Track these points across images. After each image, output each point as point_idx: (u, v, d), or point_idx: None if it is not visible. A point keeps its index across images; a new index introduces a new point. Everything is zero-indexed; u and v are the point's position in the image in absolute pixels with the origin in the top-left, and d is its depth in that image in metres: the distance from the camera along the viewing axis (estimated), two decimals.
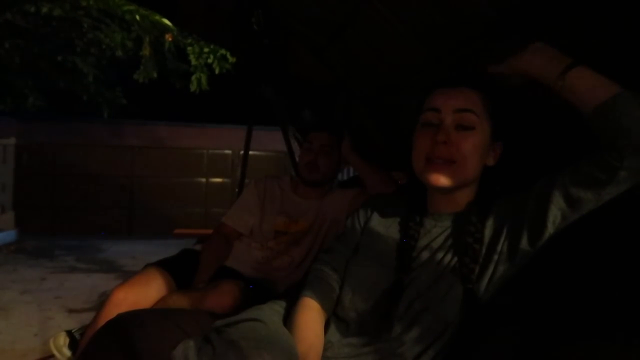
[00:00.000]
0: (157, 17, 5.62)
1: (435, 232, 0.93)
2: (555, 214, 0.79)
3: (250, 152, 2.53)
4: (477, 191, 0.96)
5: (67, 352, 1.43)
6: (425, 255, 0.91)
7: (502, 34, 1.00)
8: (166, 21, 5.64)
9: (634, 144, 0.70)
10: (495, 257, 0.84)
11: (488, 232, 0.87)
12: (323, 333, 0.91)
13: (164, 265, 1.52)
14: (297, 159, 2.31)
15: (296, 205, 1.66)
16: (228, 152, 9.65)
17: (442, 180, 0.88)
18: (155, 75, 6.48)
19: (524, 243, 0.82)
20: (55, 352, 1.44)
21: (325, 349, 0.89)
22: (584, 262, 0.93)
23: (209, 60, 6.21)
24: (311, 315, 0.91)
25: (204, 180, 9.67)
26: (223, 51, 6.05)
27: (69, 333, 1.47)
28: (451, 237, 0.91)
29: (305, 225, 1.62)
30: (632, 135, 0.70)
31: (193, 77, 6.43)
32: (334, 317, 0.96)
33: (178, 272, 1.51)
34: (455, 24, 1.09)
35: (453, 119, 0.88)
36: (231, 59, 6.13)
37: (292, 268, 1.59)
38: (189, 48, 6.22)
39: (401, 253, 0.93)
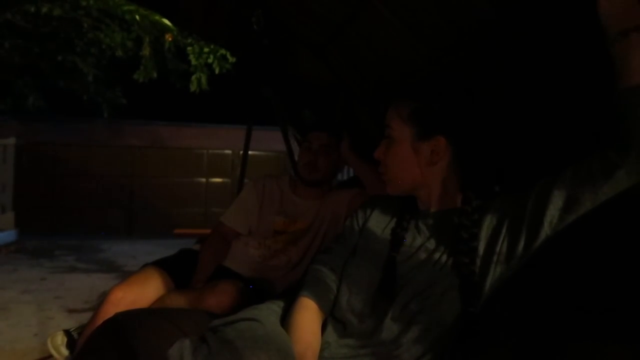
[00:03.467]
0: (157, 17, 5.62)
1: (427, 232, 0.93)
2: (553, 214, 0.78)
3: (250, 152, 2.52)
4: (461, 184, 0.95)
5: (65, 352, 1.42)
6: (421, 255, 0.90)
7: (501, 34, 1.00)
8: (166, 21, 5.64)
9: None
10: (495, 257, 0.84)
11: (486, 231, 0.87)
12: (320, 333, 0.91)
13: (162, 265, 1.51)
14: (297, 159, 2.31)
15: (295, 205, 1.66)
16: (228, 152, 9.66)
17: (388, 189, 1.01)
18: (155, 75, 6.48)
19: (522, 244, 0.82)
20: (52, 351, 1.43)
21: (322, 349, 0.88)
22: (583, 265, 0.93)
23: (209, 60, 6.21)
24: (308, 315, 0.90)
25: (204, 180, 9.68)
26: (223, 51, 6.04)
27: (67, 332, 1.47)
28: (446, 237, 0.90)
29: (303, 225, 1.62)
30: None
31: (193, 77, 6.43)
32: (331, 317, 0.95)
33: (176, 271, 1.51)
34: (455, 24, 1.09)
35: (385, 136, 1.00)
36: (231, 59, 6.13)
37: (289, 267, 1.59)
38: (189, 48, 6.22)
39: (389, 253, 0.94)
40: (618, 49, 0.70)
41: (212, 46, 6.03)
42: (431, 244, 0.91)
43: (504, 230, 0.85)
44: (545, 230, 0.79)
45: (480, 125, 0.97)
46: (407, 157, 0.95)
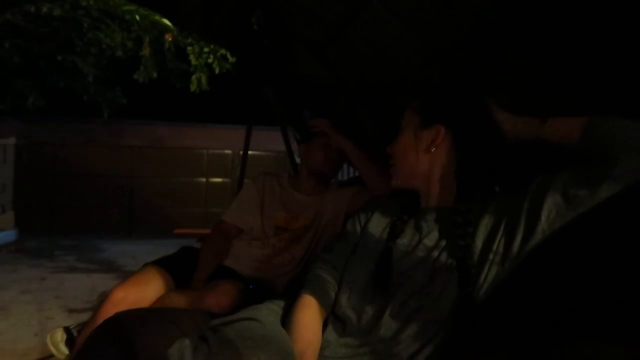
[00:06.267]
0: (157, 17, 5.63)
1: (426, 229, 0.94)
2: (550, 208, 0.79)
3: (250, 152, 2.52)
4: (458, 183, 0.96)
5: (64, 349, 1.43)
6: (420, 252, 0.91)
7: (502, 33, 1.00)
8: (166, 21, 5.65)
9: (623, 147, 0.73)
10: (491, 256, 0.84)
11: (484, 230, 0.87)
12: (321, 331, 0.91)
13: (163, 264, 1.51)
14: (297, 159, 2.31)
15: (296, 202, 1.66)
16: (228, 152, 9.67)
17: (393, 182, 1.07)
18: (155, 75, 6.48)
19: (519, 242, 0.82)
20: (51, 348, 1.44)
21: (322, 348, 0.89)
22: (582, 263, 0.93)
23: (209, 60, 6.21)
24: (309, 314, 0.91)
25: (204, 180, 9.69)
26: (223, 51, 6.05)
27: (67, 329, 1.47)
28: (444, 235, 0.91)
29: (305, 222, 1.61)
30: (617, 141, 0.74)
31: (193, 77, 6.44)
32: (332, 316, 0.96)
33: (177, 270, 1.51)
34: (455, 23, 1.09)
35: None
36: (231, 59, 6.13)
37: (292, 265, 1.58)
38: (189, 48, 6.23)
39: (383, 253, 0.94)
40: (544, 138, 0.86)
41: (212, 46, 6.03)
42: (430, 241, 0.91)
43: (501, 229, 0.85)
44: (544, 229, 0.80)
45: (479, 119, 0.98)
46: (409, 143, 1.01)
